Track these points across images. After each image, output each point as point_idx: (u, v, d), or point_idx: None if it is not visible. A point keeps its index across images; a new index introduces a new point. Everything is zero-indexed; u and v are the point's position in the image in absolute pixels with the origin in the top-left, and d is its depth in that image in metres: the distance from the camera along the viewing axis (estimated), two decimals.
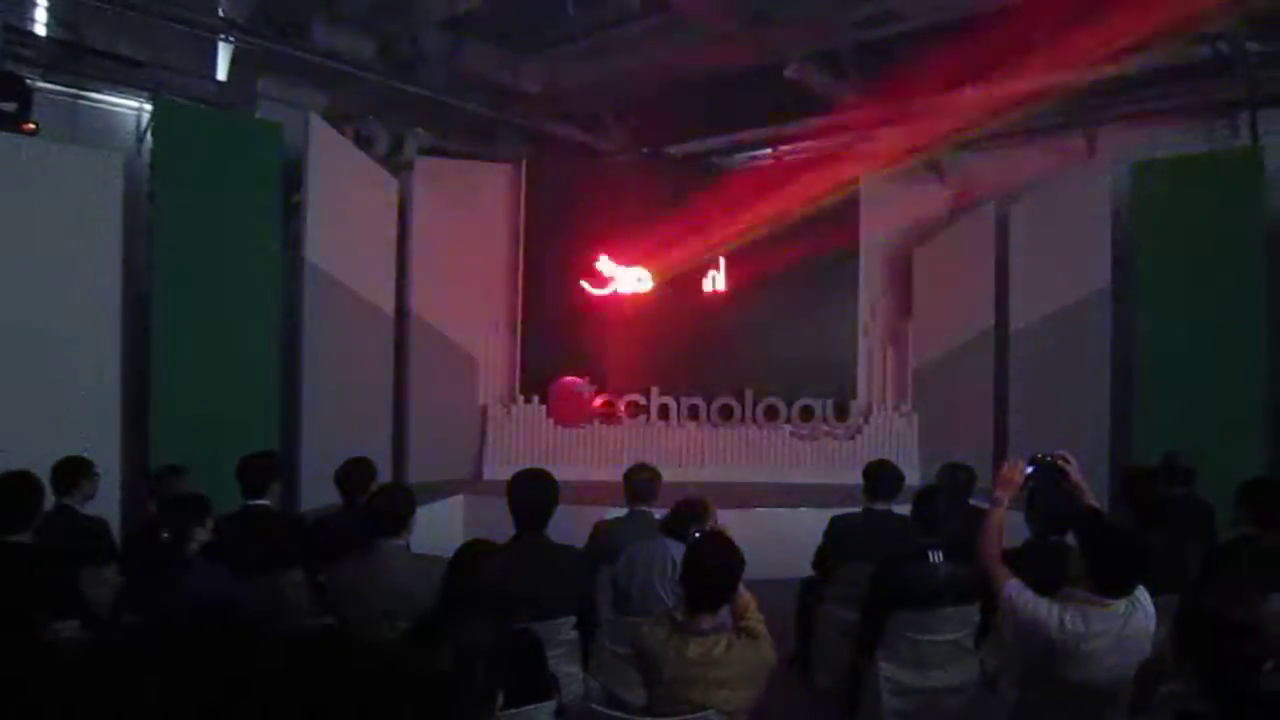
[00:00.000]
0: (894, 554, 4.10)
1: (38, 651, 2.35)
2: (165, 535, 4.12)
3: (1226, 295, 7.83)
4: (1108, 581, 3.06)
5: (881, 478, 5.00)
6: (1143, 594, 3.10)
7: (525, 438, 9.50)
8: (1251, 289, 7.79)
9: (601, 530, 4.74)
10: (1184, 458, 5.70)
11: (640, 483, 4.80)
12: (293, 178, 7.66)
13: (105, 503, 5.20)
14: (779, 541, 6.08)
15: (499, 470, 8.75)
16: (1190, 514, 5.10)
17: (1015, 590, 3.18)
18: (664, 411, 9.67)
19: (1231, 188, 7.93)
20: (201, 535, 3.95)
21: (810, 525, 5.46)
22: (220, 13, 8.30)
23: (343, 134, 8.67)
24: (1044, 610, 3.07)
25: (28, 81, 6.79)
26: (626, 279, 9.90)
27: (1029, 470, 3.73)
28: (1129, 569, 3.08)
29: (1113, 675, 3.04)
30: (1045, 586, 3.25)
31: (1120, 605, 3.04)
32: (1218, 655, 2.17)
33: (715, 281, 9.98)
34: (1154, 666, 3.02)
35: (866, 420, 9.82)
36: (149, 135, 7.73)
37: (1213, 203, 7.94)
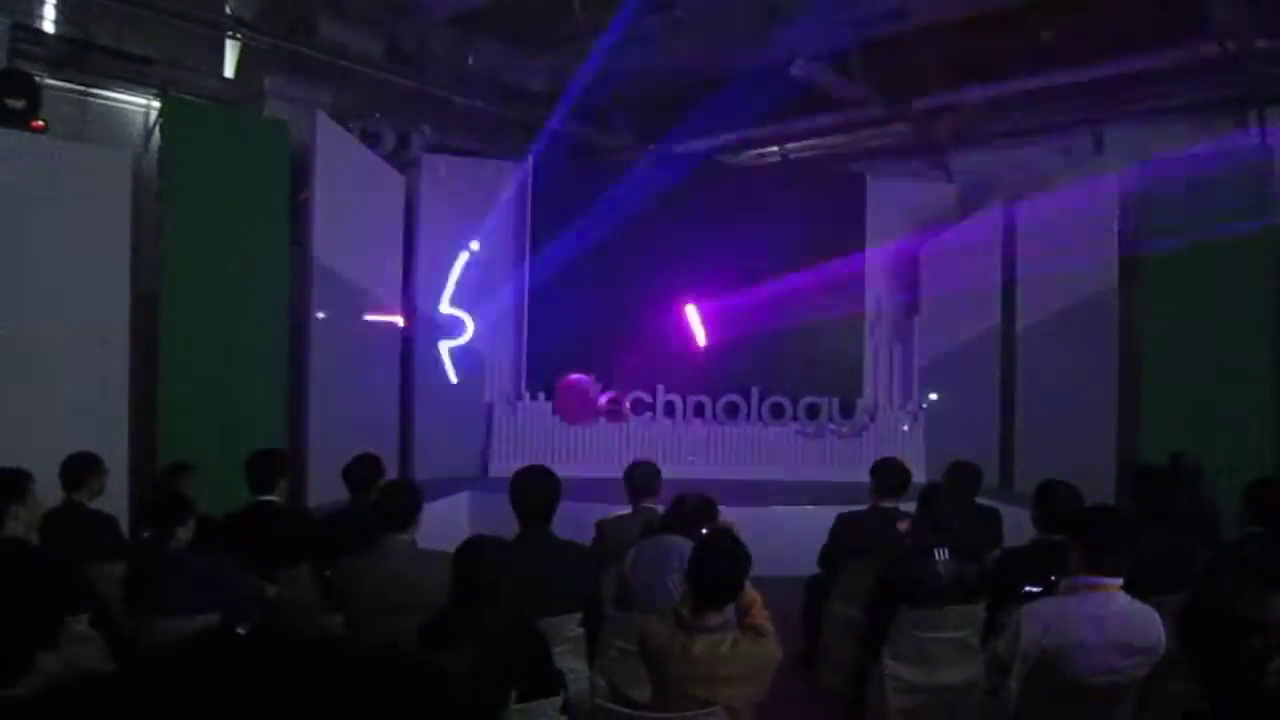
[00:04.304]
0: (900, 552, 4.11)
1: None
2: (146, 534, 4.16)
3: (1234, 294, 7.79)
4: (1098, 550, 3.06)
5: (888, 476, 5.00)
6: (1153, 611, 3.09)
7: (531, 435, 9.51)
8: (1259, 288, 7.75)
9: (606, 527, 4.74)
10: (1190, 457, 5.69)
11: (640, 477, 4.80)
12: (299, 175, 7.67)
13: (114, 499, 5.23)
14: (785, 539, 6.09)
15: (505, 467, 8.72)
16: (1196, 513, 5.09)
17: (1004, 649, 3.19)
18: (670, 409, 9.67)
19: (1239, 185, 7.86)
20: (184, 534, 3.97)
21: (816, 523, 5.45)
22: (228, 10, 8.34)
23: (349, 131, 8.68)
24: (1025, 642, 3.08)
25: (36, 79, 6.81)
26: None
27: None
28: (1116, 535, 3.10)
29: (1112, 676, 3.03)
30: (1050, 585, 3.25)
31: (1118, 591, 3.04)
32: (1223, 653, 2.17)
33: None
34: (1163, 667, 3.01)
35: (873, 418, 9.81)
36: (157, 133, 7.75)
37: (1221, 200, 7.89)
